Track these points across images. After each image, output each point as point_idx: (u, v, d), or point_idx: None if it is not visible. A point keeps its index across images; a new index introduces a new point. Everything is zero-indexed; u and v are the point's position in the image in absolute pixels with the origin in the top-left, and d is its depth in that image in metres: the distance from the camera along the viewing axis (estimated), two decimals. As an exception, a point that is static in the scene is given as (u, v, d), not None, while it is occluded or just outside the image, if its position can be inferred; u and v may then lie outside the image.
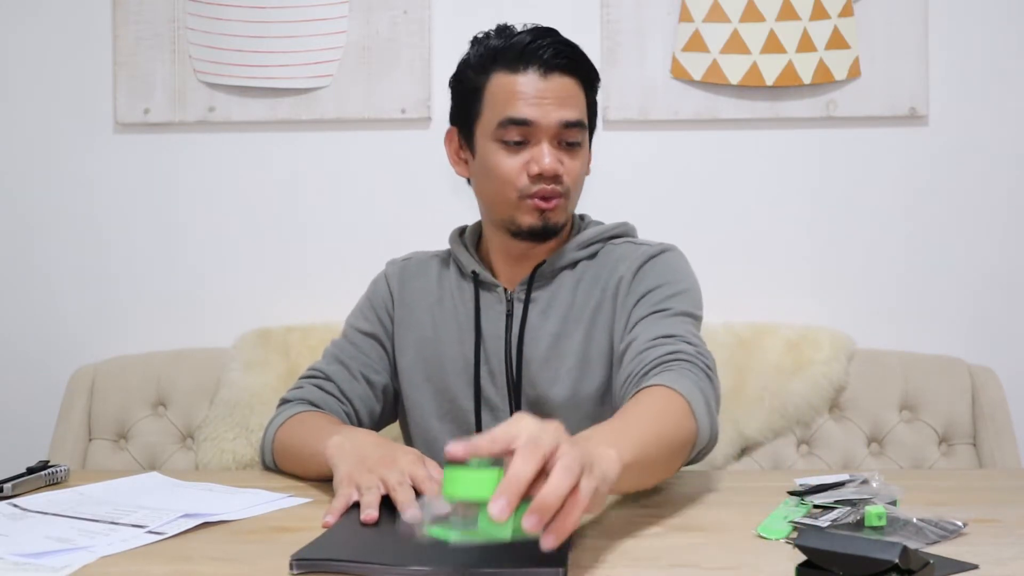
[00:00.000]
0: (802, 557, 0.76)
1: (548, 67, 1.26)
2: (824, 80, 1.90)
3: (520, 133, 1.26)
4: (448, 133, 1.37)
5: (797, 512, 0.97)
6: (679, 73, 1.92)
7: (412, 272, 1.43)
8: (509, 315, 1.33)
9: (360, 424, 1.35)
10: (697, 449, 1.07)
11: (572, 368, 1.29)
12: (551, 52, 1.26)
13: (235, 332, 1.90)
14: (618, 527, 0.92)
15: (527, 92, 1.25)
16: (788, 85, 1.90)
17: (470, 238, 1.42)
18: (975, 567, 0.79)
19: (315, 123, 1.98)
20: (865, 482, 1.02)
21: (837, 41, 1.90)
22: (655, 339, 1.18)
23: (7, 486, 1.10)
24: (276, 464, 1.27)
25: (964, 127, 1.92)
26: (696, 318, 1.27)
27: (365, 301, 1.44)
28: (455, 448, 0.75)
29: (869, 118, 1.92)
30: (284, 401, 1.35)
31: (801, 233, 1.94)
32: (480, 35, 1.33)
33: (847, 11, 1.90)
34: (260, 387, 1.80)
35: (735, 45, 1.90)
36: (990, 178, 1.92)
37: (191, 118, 1.98)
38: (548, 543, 0.73)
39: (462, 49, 1.35)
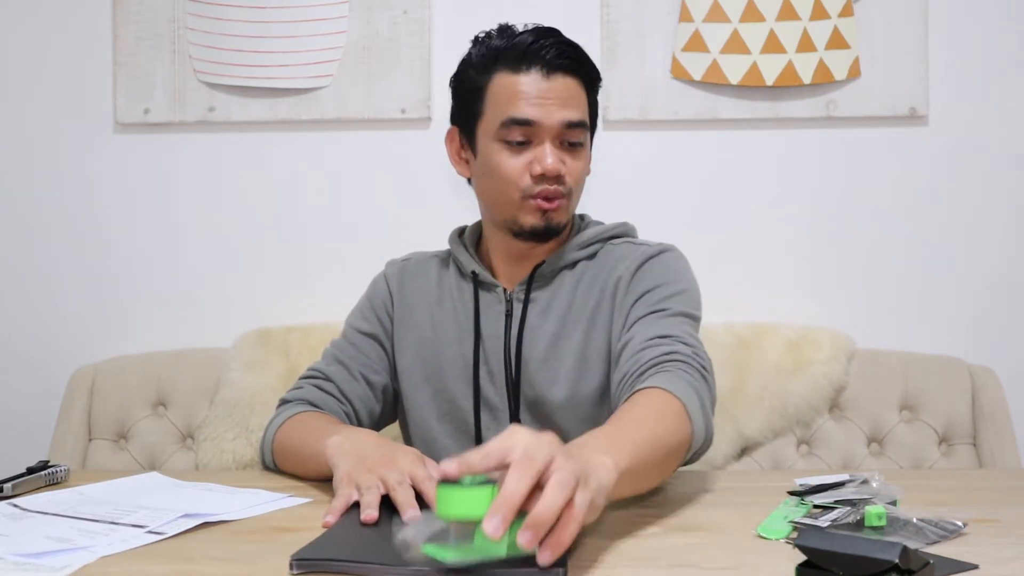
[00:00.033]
0: (802, 557, 0.76)
1: (551, 67, 1.26)
2: (824, 80, 1.90)
3: (523, 133, 1.26)
4: (449, 133, 1.37)
5: (797, 512, 0.97)
6: (679, 73, 1.92)
7: (412, 272, 1.43)
8: (508, 315, 1.33)
9: (360, 424, 1.35)
10: (692, 451, 1.07)
11: (571, 368, 1.29)
12: (554, 52, 1.26)
13: (235, 332, 1.91)
14: (618, 527, 0.92)
15: (530, 92, 1.25)
16: (788, 85, 1.90)
17: (470, 238, 1.42)
18: (975, 567, 0.79)
19: (315, 123, 1.98)
20: (865, 482, 1.02)
21: (837, 41, 1.90)
22: (651, 339, 1.18)
23: (7, 486, 1.10)
24: (276, 464, 1.27)
25: (964, 127, 1.92)
26: (694, 318, 1.27)
27: (365, 301, 1.44)
28: (448, 467, 0.74)
29: (869, 118, 1.92)
30: (284, 401, 1.35)
31: (801, 233, 1.94)
32: (482, 35, 1.33)
33: (847, 11, 1.90)
34: (260, 387, 1.80)
35: (735, 45, 1.90)
36: (990, 178, 1.92)
37: (191, 118, 1.98)
38: (545, 559, 0.73)
39: (462, 49, 1.35)
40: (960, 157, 1.92)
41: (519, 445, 0.77)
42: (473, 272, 1.36)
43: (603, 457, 0.84)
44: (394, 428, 1.46)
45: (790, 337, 1.80)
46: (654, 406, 1.03)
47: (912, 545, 0.78)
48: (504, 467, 0.75)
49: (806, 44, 1.90)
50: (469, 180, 1.38)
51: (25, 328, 2.03)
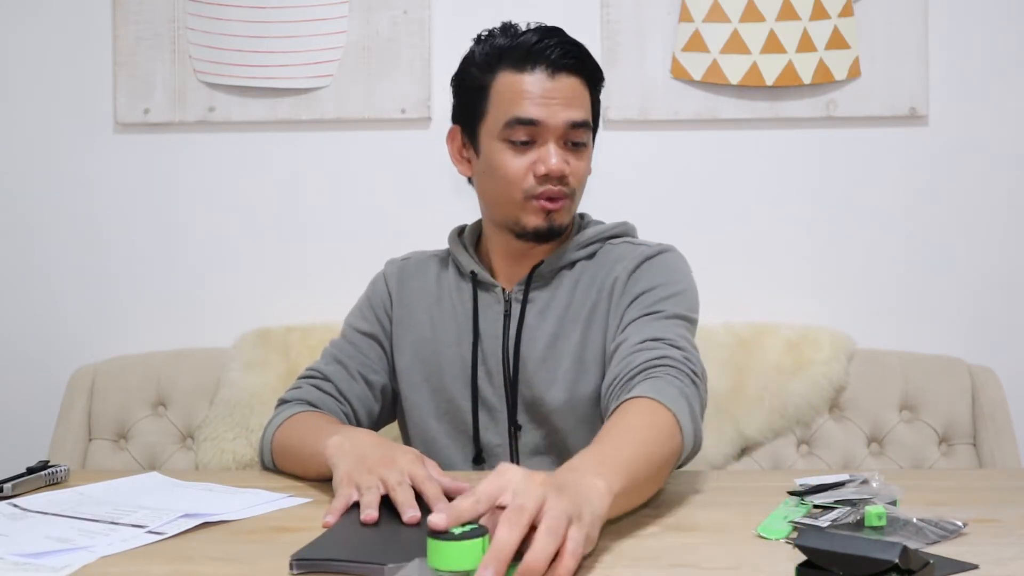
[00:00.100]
0: (802, 557, 0.75)
1: (555, 67, 1.26)
2: (824, 80, 1.90)
3: (527, 133, 1.26)
4: (450, 132, 1.37)
5: (797, 512, 0.97)
6: (679, 73, 1.92)
7: (411, 272, 1.42)
8: (507, 315, 1.33)
9: (359, 424, 1.35)
10: (682, 459, 1.07)
11: (569, 369, 1.29)
12: (558, 52, 1.26)
13: (235, 332, 1.91)
14: (618, 527, 0.92)
15: (534, 92, 1.25)
16: (788, 85, 1.90)
17: (469, 238, 1.41)
18: (975, 567, 0.79)
19: (315, 123, 1.98)
20: (865, 482, 1.02)
21: (837, 41, 1.90)
22: (643, 342, 1.17)
23: (7, 486, 1.10)
24: (275, 464, 1.27)
25: (964, 127, 1.92)
26: (690, 320, 1.26)
27: (364, 301, 1.44)
28: (437, 519, 0.74)
29: (869, 118, 1.92)
30: (282, 402, 1.35)
31: (801, 233, 1.94)
32: (485, 33, 1.32)
33: (847, 11, 1.90)
34: (260, 387, 1.80)
35: (735, 45, 1.90)
36: (990, 178, 1.92)
37: (191, 118, 1.98)
38: None
39: (462, 49, 1.35)
40: (960, 157, 1.92)
41: (509, 488, 0.77)
42: (472, 272, 1.36)
43: (596, 481, 0.84)
44: (393, 428, 1.46)
45: (790, 337, 1.80)
46: (644, 419, 1.02)
47: (912, 545, 0.78)
48: (496, 509, 0.76)
49: (806, 44, 1.90)
50: (470, 179, 1.38)
51: (25, 328, 2.03)
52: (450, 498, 0.96)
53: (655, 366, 1.12)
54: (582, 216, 1.42)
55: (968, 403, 1.75)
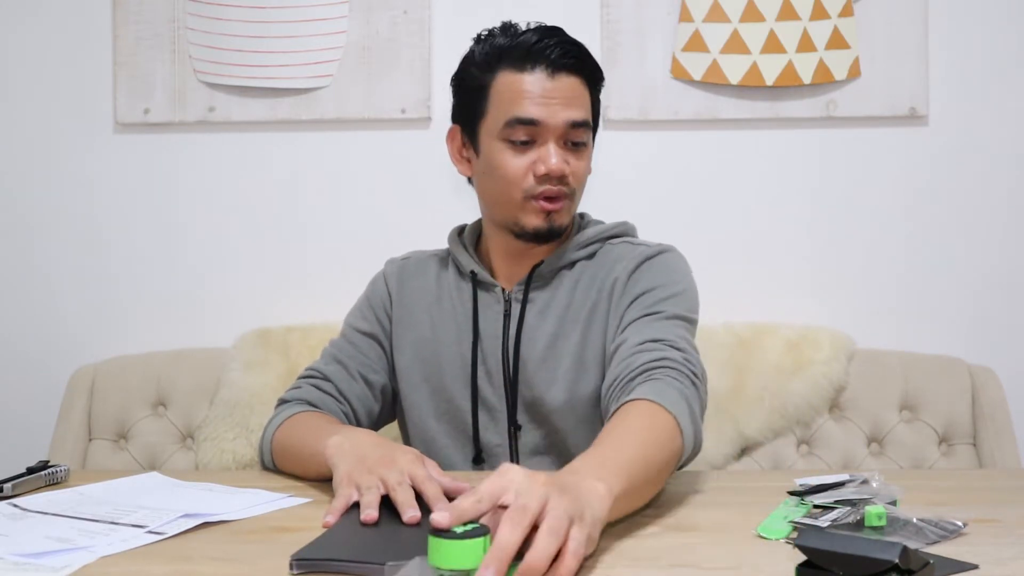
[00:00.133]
0: (802, 557, 0.75)
1: (555, 67, 1.26)
2: (824, 80, 1.90)
3: (527, 133, 1.26)
4: (450, 131, 1.37)
5: (797, 512, 0.97)
6: (679, 73, 1.92)
7: (411, 271, 1.42)
8: (507, 315, 1.33)
9: (358, 424, 1.35)
10: (682, 461, 1.07)
11: (568, 370, 1.29)
12: (558, 52, 1.26)
13: (235, 332, 1.91)
14: (618, 527, 0.92)
15: (534, 92, 1.25)
16: (788, 85, 1.90)
17: (469, 237, 1.41)
18: (975, 567, 0.79)
19: (315, 123, 1.98)
20: (865, 482, 1.02)
21: (837, 41, 1.90)
22: (643, 343, 1.17)
23: (7, 486, 1.10)
24: (275, 465, 1.27)
25: (964, 127, 1.92)
26: (690, 321, 1.26)
27: (364, 300, 1.44)
28: (440, 517, 0.74)
29: (869, 118, 1.92)
30: (282, 401, 1.35)
31: (801, 233, 1.94)
32: (484, 33, 1.32)
33: (847, 11, 1.90)
34: (260, 387, 1.80)
35: (735, 45, 1.90)
36: (990, 178, 1.92)
37: (191, 118, 1.98)
38: None
39: (462, 49, 1.35)
40: (960, 157, 1.92)
41: (511, 488, 0.78)
42: (472, 272, 1.35)
43: (596, 484, 0.84)
44: (393, 428, 1.46)
45: (790, 337, 1.80)
46: (645, 422, 1.02)
47: (912, 545, 0.78)
48: (498, 509, 0.77)
49: (806, 44, 1.90)
50: (470, 179, 1.38)
51: (25, 328, 2.03)
52: (450, 498, 0.96)
53: (655, 368, 1.12)
54: (582, 216, 1.42)
55: (968, 403, 1.75)
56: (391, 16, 1.96)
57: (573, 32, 1.32)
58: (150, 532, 0.92)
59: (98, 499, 1.06)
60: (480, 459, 1.32)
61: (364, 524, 0.93)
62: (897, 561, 0.70)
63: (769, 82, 1.90)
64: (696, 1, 1.90)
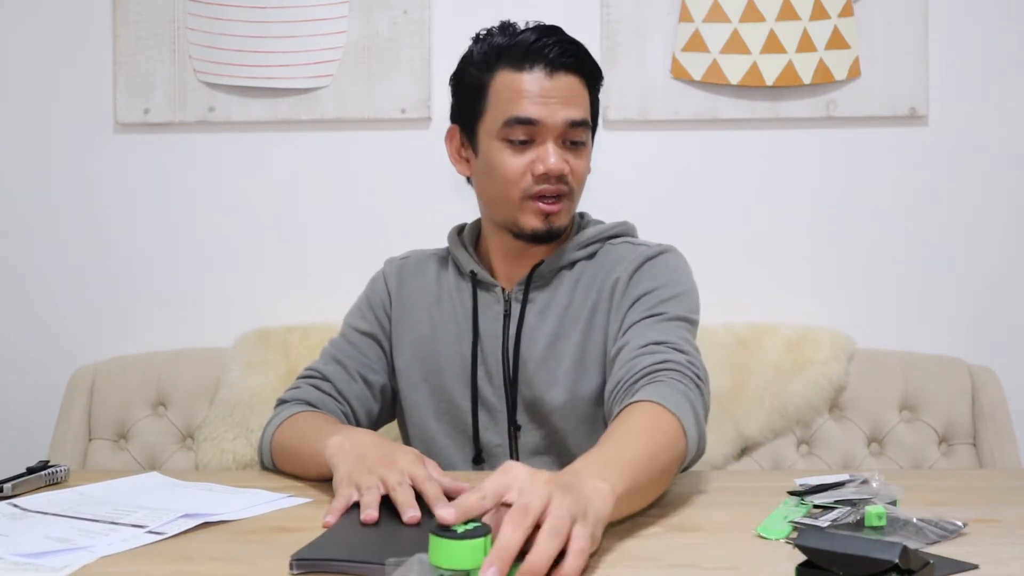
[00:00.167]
0: (802, 557, 0.75)
1: (554, 66, 1.25)
2: (824, 80, 1.90)
3: (525, 132, 1.26)
4: (449, 131, 1.37)
5: (797, 512, 0.97)
6: (679, 73, 1.92)
7: (410, 271, 1.42)
8: (507, 315, 1.33)
9: (358, 424, 1.35)
10: (685, 463, 1.07)
11: (569, 370, 1.29)
12: (557, 51, 1.25)
13: (235, 332, 1.91)
14: (619, 527, 0.92)
15: (533, 91, 1.25)
16: (788, 85, 1.90)
17: (469, 237, 1.41)
18: (975, 567, 0.79)
19: (315, 123, 1.98)
20: (865, 482, 1.02)
21: (837, 41, 1.90)
22: (646, 346, 1.17)
23: (7, 486, 1.10)
24: (275, 465, 1.27)
25: (964, 127, 1.92)
26: (691, 322, 1.26)
27: (363, 300, 1.44)
28: (446, 514, 0.75)
29: (869, 118, 1.92)
30: (281, 402, 1.35)
31: (801, 233, 1.94)
32: (483, 32, 1.32)
33: (847, 11, 1.90)
34: (260, 387, 1.80)
35: (735, 45, 1.90)
36: (990, 178, 1.92)
37: (191, 118, 1.98)
38: None
39: (462, 49, 1.35)
40: (960, 157, 1.92)
41: (514, 486, 0.78)
42: (472, 271, 1.35)
43: (599, 483, 0.84)
44: (393, 428, 1.46)
45: (790, 337, 1.80)
46: (648, 422, 1.02)
47: (912, 545, 0.78)
48: (501, 506, 0.77)
49: (806, 44, 1.90)
50: (469, 179, 1.38)
51: (25, 328, 2.03)
52: (450, 498, 0.96)
53: (659, 370, 1.12)
54: (582, 215, 1.42)
55: (968, 403, 1.75)
56: (391, 16, 1.96)
57: (573, 32, 1.31)
58: (150, 532, 0.92)
59: (98, 499, 1.06)
60: (480, 459, 1.32)
61: (364, 524, 0.93)
62: (897, 561, 0.70)
63: (769, 82, 1.90)
64: (696, 1, 1.90)
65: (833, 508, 0.96)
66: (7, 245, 2.03)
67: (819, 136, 1.93)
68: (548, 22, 1.31)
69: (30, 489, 1.13)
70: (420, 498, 0.97)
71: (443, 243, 1.43)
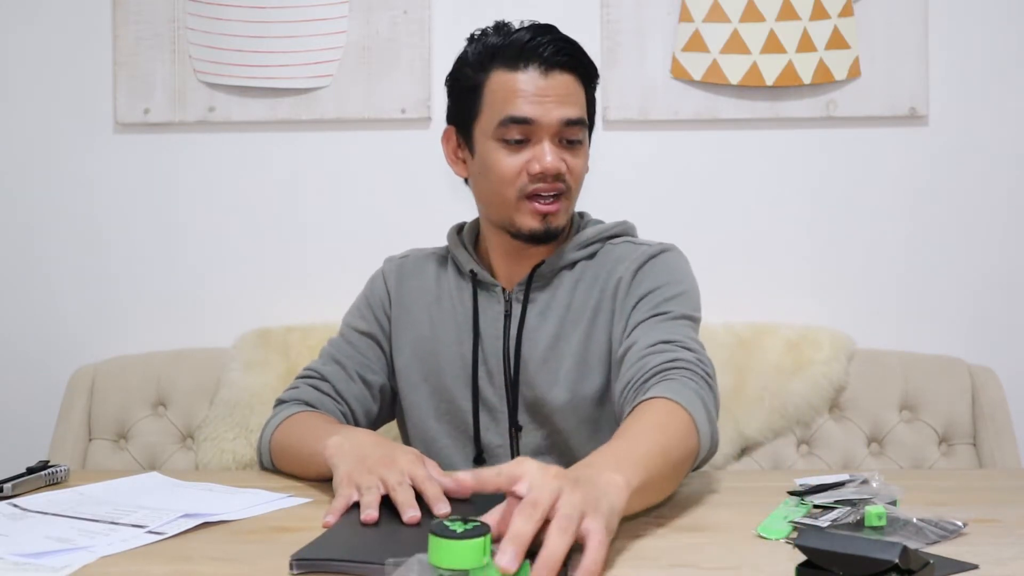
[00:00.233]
0: (802, 557, 0.75)
1: (549, 64, 1.25)
2: (824, 80, 1.90)
3: (521, 132, 1.25)
4: (445, 132, 1.37)
5: (797, 512, 0.97)
6: (679, 73, 1.92)
7: (410, 270, 1.42)
8: (507, 315, 1.32)
9: (357, 424, 1.35)
10: (698, 460, 1.07)
11: (570, 370, 1.29)
12: (551, 49, 1.25)
13: (235, 332, 1.91)
14: (619, 527, 0.92)
15: (527, 90, 1.25)
16: (788, 85, 1.90)
17: (468, 236, 1.41)
18: (975, 567, 0.79)
19: (315, 123, 1.98)
20: (865, 482, 1.02)
21: (837, 41, 1.90)
22: (654, 344, 1.17)
23: (7, 486, 1.10)
24: (274, 465, 1.27)
25: (964, 127, 1.92)
26: (695, 320, 1.26)
27: (362, 300, 1.43)
28: (465, 479, 0.79)
29: (869, 118, 1.92)
30: (280, 402, 1.35)
31: (801, 233, 1.94)
32: (477, 32, 1.32)
33: (847, 11, 1.90)
34: (260, 387, 1.80)
35: (735, 45, 1.90)
36: (990, 178, 1.92)
37: (191, 118, 1.98)
38: None
39: (462, 49, 1.35)
40: (960, 157, 1.92)
41: (526, 476, 0.79)
42: (472, 271, 1.35)
43: (614, 476, 0.85)
44: (393, 428, 1.46)
45: (790, 337, 1.80)
46: (661, 418, 1.02)
47: (912, 545, 0.78)
48: (511, 494, 0.78)
49: (806, 44, 1.90)
50: (466, 180, 1.37)
51: (25, 328, 2.03)
52: (450, 498, 0.96)
53: (669, 368, 1.12)
54: (581, 215, 1.42)
55: (968, 403, 1.75)
56: (391, 16, 1.96)
57: (573, 32, 1.31)
58: (150, 532, 0.92)
59: (98, 499, 1.06)
60: (481, 459, 1.32)
61: (364, 524, 0.93)
62: (897, 561, 0.70)
63: (769, 82, 1.90)
64: (696, 1, 1.90)
65: (833, 508, 0.96)
66: (7, 245, 2.03)
67: (819, 136, 1.93)
68: (548, 22, 1.31)
69: (30, 489, 1.13)
70: (420, 498, 0.97)
71: (443, 243, 1.43)
